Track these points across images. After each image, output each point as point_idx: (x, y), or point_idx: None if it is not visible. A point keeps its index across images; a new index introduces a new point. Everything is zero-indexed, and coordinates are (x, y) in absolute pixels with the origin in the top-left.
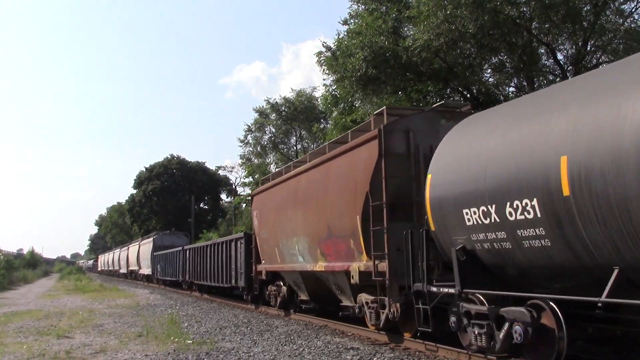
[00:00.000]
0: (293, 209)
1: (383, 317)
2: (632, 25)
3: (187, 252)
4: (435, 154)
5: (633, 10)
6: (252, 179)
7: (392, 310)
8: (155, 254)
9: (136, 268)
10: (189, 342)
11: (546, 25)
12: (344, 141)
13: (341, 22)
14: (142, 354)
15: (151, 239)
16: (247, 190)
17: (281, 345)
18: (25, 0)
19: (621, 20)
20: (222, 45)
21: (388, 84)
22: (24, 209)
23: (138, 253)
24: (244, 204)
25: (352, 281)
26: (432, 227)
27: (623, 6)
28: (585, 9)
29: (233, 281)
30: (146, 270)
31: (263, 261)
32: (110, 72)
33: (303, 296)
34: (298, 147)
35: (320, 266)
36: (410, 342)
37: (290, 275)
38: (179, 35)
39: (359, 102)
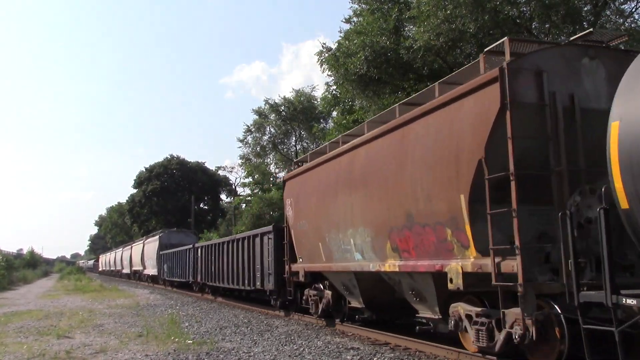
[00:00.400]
0: (347, 193)
1: (502, 336)
2: (632, 25)
3: (199, 250)
4: (623, 90)
5: (633, 10)
6: (252, 179)
7: (524, 328)
8: (161, 252)
9: (140, 268)
10: (189, 342)
11: (546, 25)
12: (420, 102)
13: (344, 20)
14: (142, 354)
15: (157, 237)
16: (247, 191)
17: (281, 345)
18: (25, 0)
19: (621, 20)
20: (222, 45)
21: (389, 84)
22: (24, 209)
23: (142, 252)
24: (244, 204)
25: (451, 286)
26: (624, 204)
27: (623, 6)
28: (585, 9)
29: (258, 283)
30: (151, 270)
31: (300, 259)
32: (110, 72)
33: (355, 303)
34: (298, 147)
35: (390, 265)
36: None
37: (340, 276)
38: (179, 35)
39: (360, 102)
